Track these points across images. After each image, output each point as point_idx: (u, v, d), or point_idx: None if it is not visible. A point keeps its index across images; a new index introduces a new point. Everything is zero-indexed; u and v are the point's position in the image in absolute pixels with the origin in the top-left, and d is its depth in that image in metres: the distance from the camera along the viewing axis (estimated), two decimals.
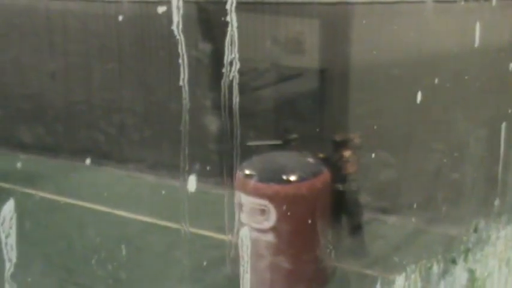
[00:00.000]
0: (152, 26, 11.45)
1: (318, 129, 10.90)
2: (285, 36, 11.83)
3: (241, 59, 10.84)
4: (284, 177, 8.63)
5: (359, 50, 10.88)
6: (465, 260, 2.44)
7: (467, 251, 2.42)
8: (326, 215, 8.91)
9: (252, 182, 8.55)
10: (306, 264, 8.46)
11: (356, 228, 9.27)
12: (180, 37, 1.53)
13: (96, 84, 13.24)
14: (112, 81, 12.68)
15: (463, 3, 9.68)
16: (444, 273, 2.33)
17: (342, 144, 9.24)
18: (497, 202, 2.80)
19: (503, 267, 2.72)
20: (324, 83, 11.42)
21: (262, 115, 11.82)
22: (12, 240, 1.22)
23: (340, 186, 9.10)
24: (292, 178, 8.64)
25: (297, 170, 8.76)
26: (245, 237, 1.65)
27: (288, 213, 8.40)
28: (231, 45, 1.39)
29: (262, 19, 12.07)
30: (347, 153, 9.14)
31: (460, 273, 2.42)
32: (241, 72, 11.42)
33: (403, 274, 2.09)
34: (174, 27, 1.55)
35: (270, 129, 11.55)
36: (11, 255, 1.23)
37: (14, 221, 1.22)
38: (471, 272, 2.46)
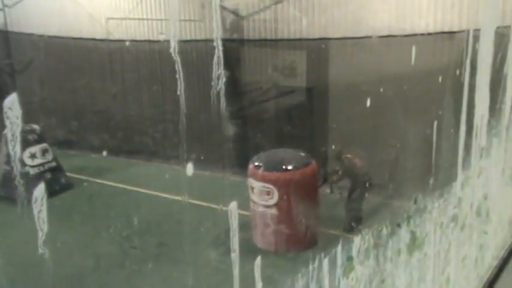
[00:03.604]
0: (183, 59, 11.50)
1: (307, 129, 10.95)
2: (282, 64, 11.83)
3: (251, 82, 10.84)
4: (283, 167, 8.62)
5: (335, 73, 10.90)
6: (408, 224, 2.48)
7: (409, 217, 2.47)
8: (314, 194, 8.92)
9: (261, 171, 8.58)
10: (300, 230, 8.46)
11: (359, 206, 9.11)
12: (176, 58, 1.58)
13: (145, 101, 13.30)
14: (156, 99, 12.73)
15: (402, 36, 9.71)
16: (392, 234, 2.38)
17: (341, 152, 9.23)
18: (431, 181, 2.86)
19: (438, 229, 2.76)
20: (310, 97, 11.43)
21: (267, 120, 11.86)
22: (44, 214, 1.25)
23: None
24: (290, 167, 8.63)
25: (293, 162, 8.74)
26: (233, 208, 1.70)
27: (287, 193, 8.44)
28: (217, 64, 1.44)
29: (266, 52, 12.10)
30: (349, 156, 9.07)
31: (404, 234, 2.47)
32: (250, 90, 11.45)
33: (359, 236, 2.14)
34: (171, 50, 1.60)
35: (272, 130, 11.59)
36: (43, 226, 1.26)
37: (44, 200, 1.26)
38: (412, 233, 2.51)
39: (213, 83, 1.47)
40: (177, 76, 1.59)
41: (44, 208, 1.22)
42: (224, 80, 1.58)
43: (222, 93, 1.59)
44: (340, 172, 9.26)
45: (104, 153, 12.52)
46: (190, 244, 8.28)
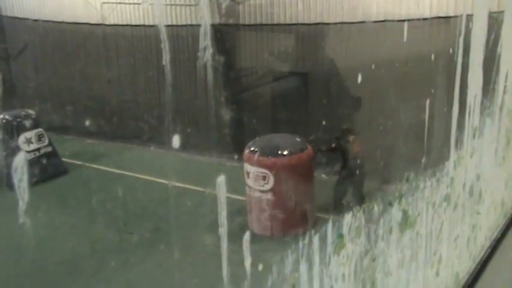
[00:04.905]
0: (181, 44, 11.47)
1: (302, 113, 10.93)
2: (278, 49, 11.80)
3: (247, 67, 10.82)
4: (279, 152, 8.63)
5: (331, 58, 10.87)
6: (399, 203, 2.48)
7: (401, 196, 2.47)
8: (310, 179, 8.92)
9: (256, 156, 8.58)
10: (296, 215, 8.48)
11: (360, 190, 9.11)
12: (162, 28, 1.56)
13: (140, 86, 13.25)
14: (151, 84, 12.69)
15: (394, 22, 9.69)
16: (383, 212, 2.37)
17: (348, 131, 9.18)
18: (423, 160, 2.86)
19: (430, 208, 2.76)
20: (305, 81, 11.41)
21: (262, 105, 11.85)
22: (24, 184, 1.24)
23: (352, 163, 9.05)
24: (285, 153, 8.63)
25: (289, 147, 8.74)
26: (221, 183, 1.68)
27: (282, 178, 8.45)
28: (204, 34, 1.41)
29: (261, 36, 12.06)
30: (351, 138, 9.04)
31: (395, 212, 2.47)
32: (246, 74, 11.43)
33: (350, 213, 2.13)
34: (157, 21, 1.60)
35: (267, 114, 11.57)
36: (24, 196, 1.25)
37: (25, 169, 1.25)
38: (404, 211, 2.51)
39: (199, 54, 1.45)
40: (162, 46, 1.58)
41: (25, 177, 1.20)
42: (211, 54, 1.56)
43: (209, 65, 1.58)
44: (333, 146, 9.25)
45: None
46: (185, 229, 8.30)
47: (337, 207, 8.94)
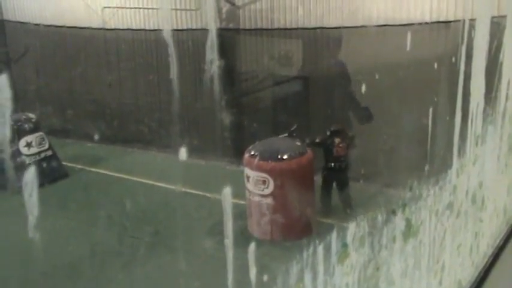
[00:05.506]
0: (181, 48, 11.45)
1: (301, 118, 10.90)
2: (278, 53, 11.80)
3: (247, 71, 10.80)
4: (279, 156, 8.59)
5: (332, 62, 10.86)
6: (403, 211, 2.47)
7: (404, 205, 2.46)
8: (310, 183, 8.90)
9: (256, 160, 8.55)
10: (296, 219, 8.45)
11: (344, 194, 9.12)
12: (169, 41, 1.55)
13: (140, 90, 13.23)
14: (152, 88, 12.69)
15: (397, 26, 9.69)
16: (387, 221, 2.36)
17: (335, 133, 9.12)
18: (426, 167, 2.85)
19: (433, 216, 2.75)
20: (305, 86, 11.40)
21: (262, 108, 11.83)
22: (34, 198, 1.24)
23: (332, 165, 9.04)
24: (285, 157, 8.59)
25: (289, 151, 8.70)
26: (227, 195, 1.67)
27: (282, 183, 8.43)
28: (211, 48, 1.40)
29: (262, 41, 12.06)
30: (337, 140, 8.99)
31: (399, 221, 2.46)
32: (247, 79, 11.41)
33: (354, 222, 2.12)
34: (164, 34, 1.57)
35: (269, 118, 11.54)
36: (34, 210, 1.25)
37: (34, 184, 1.24)
38: (408, 220, 2.50)
39: (206, 67, 1.43)
40: (170, 59, 1.56)
41: (35, 192, 1.19)
42: (217, 65, 1.55)
43: (216, 77, 1.56)
44: (317, 141, 9.23)
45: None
46: (185, 233, 8.28)
47: (323, 210, 9.02)
